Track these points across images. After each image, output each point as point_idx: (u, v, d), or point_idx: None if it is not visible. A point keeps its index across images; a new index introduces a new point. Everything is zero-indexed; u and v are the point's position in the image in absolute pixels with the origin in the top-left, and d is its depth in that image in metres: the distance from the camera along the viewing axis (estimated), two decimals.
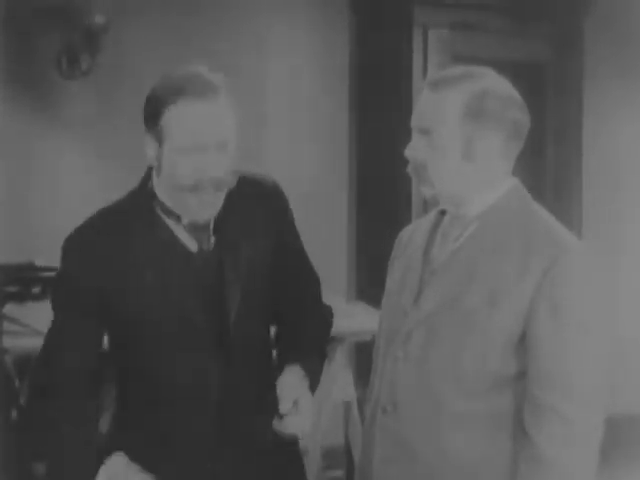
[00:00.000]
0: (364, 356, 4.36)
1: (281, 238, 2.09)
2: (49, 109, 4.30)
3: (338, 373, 3.73)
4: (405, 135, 1.95)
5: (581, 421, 1.80)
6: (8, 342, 3.24)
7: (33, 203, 4.26)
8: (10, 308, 3.54)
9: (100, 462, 1.89)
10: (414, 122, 1.93)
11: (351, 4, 4.75)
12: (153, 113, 1.90)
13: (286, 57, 4.64)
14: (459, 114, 1.87)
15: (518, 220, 1.90)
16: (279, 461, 2.08)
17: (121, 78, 4.33)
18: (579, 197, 4.81)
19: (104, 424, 2.04)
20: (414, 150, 1.92)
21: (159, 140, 1.91)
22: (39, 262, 3.97)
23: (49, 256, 3.88)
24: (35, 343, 3.15)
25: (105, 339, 2.04)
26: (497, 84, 1.91)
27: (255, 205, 2.05)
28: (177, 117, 1.88)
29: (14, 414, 3.34)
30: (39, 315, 3.35)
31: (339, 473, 4.37)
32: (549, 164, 4.72)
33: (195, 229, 1.97)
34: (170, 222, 1.97)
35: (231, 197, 1.99)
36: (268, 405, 2.00)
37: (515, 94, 1.92)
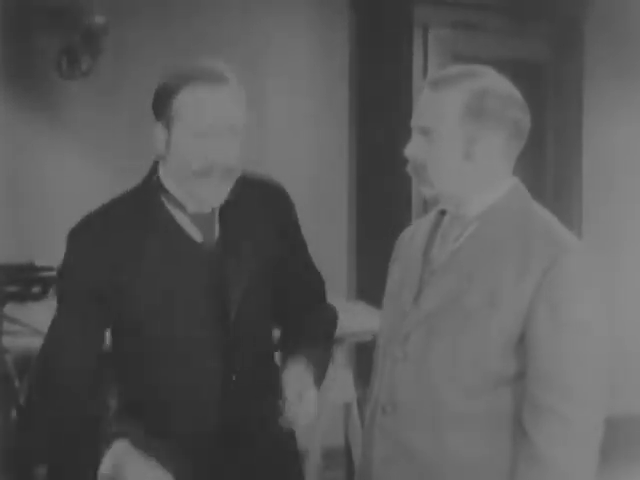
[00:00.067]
0: (364, 356, 4.36)
1: (285, 238, 2.10)
2: (49, 109, 4.29)
3: (338, 373, 3.73)
4: (405, 135, 1.95)
5: (580, 421, 1.80)
6: (8, 342, 3.24)
7: (33, 203, 4.26)
8: (10, 308, 3.55)
9: (102, 452, 1.89)
10: (414, 121, 1.93)
11: (351, 4, 4.75)
12: (163, 99, 1.92)
13: (286, 55, 4.64)
14: (459, 113, 1.87)
15: (518, 220, 1.90)
16: (278, 461, 2.08)
17: (121, 79, 4.33)
18: (579, 197, 4.81)
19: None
20: (414, 149, 1.92)
21: (169, 126, 1.92)
22: (39, 262, 3.97)
23: (49, 256, 3.89)
24: (35, 343, 3.16)
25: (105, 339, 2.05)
26: (497, 83, 1.90)
27: (260, 205, 2.06)
28: (188, 101, 1.90)
29: (14, 414, 3.34)
30: (39, 315, 3.36)
31: (339, 473, 4.37)
32: (549, 164, 4.72)
33: (200, 220, 1.98)
34: (175, 213, 1.98)
35: (237, 196, 2.00)
36: (270, 396, 2.00)
37: (516, 93, 1.92)
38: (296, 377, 1.96)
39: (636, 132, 5.18)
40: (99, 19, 4.11)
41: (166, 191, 1.98)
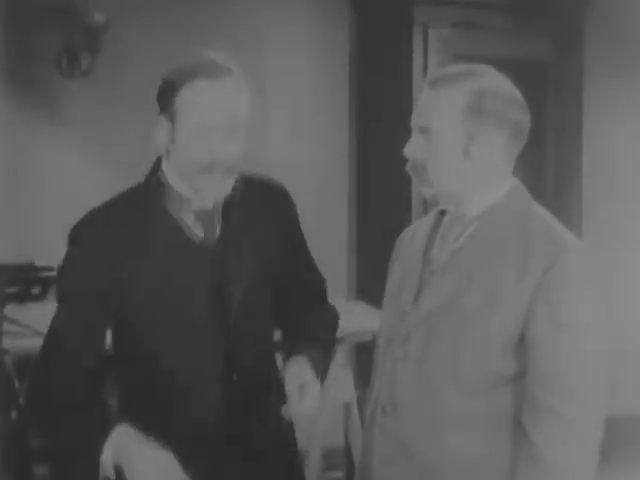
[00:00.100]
0: (364, 356, 4.36)
1: (286, 238, 2.10)
2: (49, 108, 4.29)
3: (338, 373, 3.73)
4: (405, 135, 1.95)
5: (580, 421, 1.80)
6: (8, 343, 3.24)
7: (33, 203, 4.26)
8: (10, 308, 3.55)
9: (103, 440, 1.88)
10: (414, 121, 1.93)
11: (351, 3, 4.75)
12: (168, 94, 1.92)
13: (286, 55, 4.64)
14: (459, 113, 1.87)
15: (518, 220, 1.90)
16: (278, 461, 2.08)
17: (121, 77, 4.33)
18: (579, 197, 4.81)
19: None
20: (413, 149, 1.91)
21: (173, 120, 1.92)
22: (39, 262, 3.98)
23: (49, 256, 3.89)
24: (35, 344, 3.15)
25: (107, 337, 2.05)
26: (497, 83, 1.90)
27: (262, 204, 2.07)
28: (193, 95, 1.90)
29: (14, 414, 3.34)
30: (39, 316, 3.35)
31: (339, 474, 4.37)
32: (549, 164, 4.72)
33: (203, 217, 1.99)
34: (178, 209, 1.98)
35: (239, 195, 2.01)
36: (271, 397, 2.01)
37: (516, 93, 1.92)
38: (298, 372, 1.96)
39: (636, 131, 5.17)
40: (99, 18, 4.11)
41: (169, 187, 1.99)
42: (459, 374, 1.85)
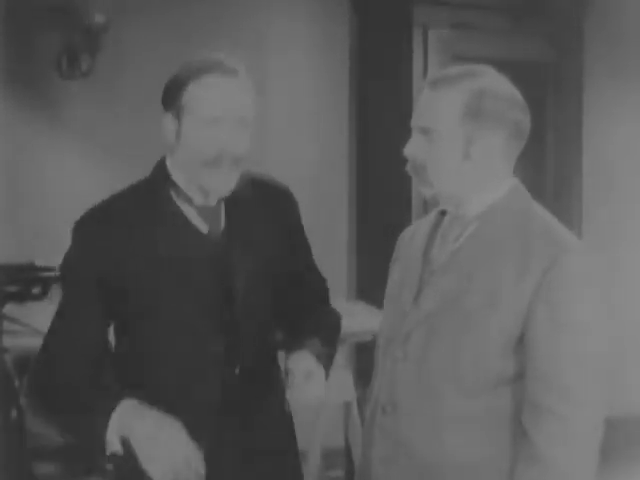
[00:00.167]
0: (364, 356, 4.36)
1: (288, 239, 2.11)
2: (49, 109, 4.30)
3: (338, 374, 3.73)
4: (405, 135, 1.95)
5: (579, 421, 1.80)
6: (8, 342, 3.25)
7: (33, 203, 4.26)
8: (10, 308, 3.55)
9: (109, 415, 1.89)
10: (414, 121, 1.93)
11: (351, 3, 4.75)
12: (174, 90, 1.96)
13: (286, 55, 4.64)
14: (459, 113, 1.87)
15: (518, 220, 1.89)
16: (278, 461, 2.08)
17: (121, 78, 4.33)
18: (579, 196, 4.81)
19: None
20: (413, 149, 1.91)
21: (179, 116, 1.95)
22: (39, 262, 3.98)
23: (49, 256, 3.90)
24: (35, 343, 3.15)
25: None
26: (497, 83, 1.90)
27: (266, 204, 2.08)
28: (198, 92, 1.93)
29: (14, 414, 3.34)
30: (39, 315, 3.35)
31: (339, 473, 4.37)
32: (549, 163, 4.72)
33: (206, 212, 2.00)
34: (182, 204, 2.00)
35: (243, 194, 2.03)
36: (271, 396, 2.01)
37: (516, 94, 1.92)
38: (302, 361, 1.97)
39: (636, 131, 5.17)
40: (99, 18, 4.11)
41: (173, 183, 2.00)
42: (459, 374, 1.85)
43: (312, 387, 1.95)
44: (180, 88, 1.95)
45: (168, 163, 2.02)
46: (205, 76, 1.93)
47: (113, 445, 1.88)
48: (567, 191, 4.78)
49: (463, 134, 1.87)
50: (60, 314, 2.01)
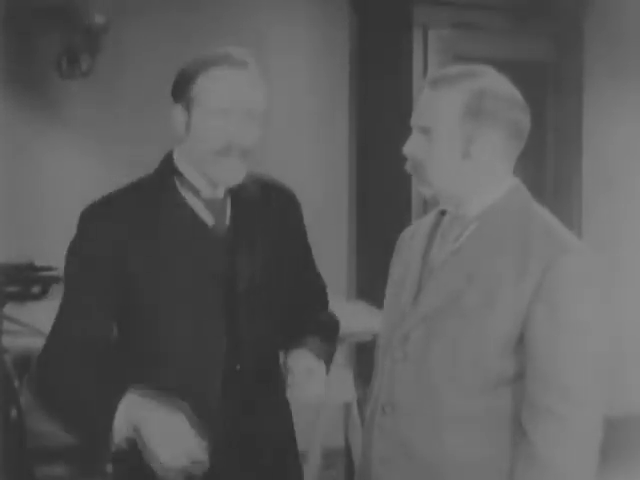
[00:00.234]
0: (364, 356, 4.36)
1: (291, 241, 2.12)
2: (49, 109, 4.30)
3: (338, 374, 3.73)
4: (405, 135, 1.95)
5: (578, 421, 1.80)
6: (8, 341, 3.25)
7: (33, 203, 4.26)
8: (10, 308, 3.55)
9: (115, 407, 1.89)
10: (414, 121, 1.92)
11: (351, 3, 4.75)
12: (184, 82, 1.97)
13: (286, 55, 4.64)
14: (458, 113, 1.87)
15: (517, 221, 1.89)
16: (278, 461, 2.08)
17: (121, 78, 4.33)
18: (579, 196, 4.81)
19: None
20: (413, 148, 1.91)
21: (189, 108, 1.97)
22: (39, 262, 3.98)
23: (49, 256, 3.90)
24: (35, 343, 3.15)
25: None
26: (497, 83, 1.90)
27: (271, 205, 2.09)
28: (209, 83, 1.95)
29: (14, 414, 3.34)
30: (39, 315, 3.36)
31: (339, 474, 4.37)
32: (549, 162, 4.72)
33: (213, 205, 2.01)
34: (188, 196, 2.01)
35: (249, 192, 2.05)
36: (272, 396, 2.01)
37: (516, 94, 1.91)
38: (302, 359, 1.98)
39: (636, 131, 5.17)
40: (99, 19, 4.11)
41: (180, 175, 2.01)
42: (458, 374, 1.85)
43: (313, 385, 1.96)
44: (190, 80, 1.96)
45: (175, 156, 2.03)
46: (215, 68, 1.95)
47: (121, 435, 1.88)
48: (567, 190, 4.78)
49: (463, 134, 1.87)
50: (65, 305, 2.01)
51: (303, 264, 2.18)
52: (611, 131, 5.13)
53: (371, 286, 4.50)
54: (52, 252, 3.89)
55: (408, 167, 1.94)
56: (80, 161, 4.34)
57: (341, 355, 3.73)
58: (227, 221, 2.03)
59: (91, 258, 1.97)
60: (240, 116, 1.95)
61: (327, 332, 2.16)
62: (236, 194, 2.04)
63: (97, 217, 1.99)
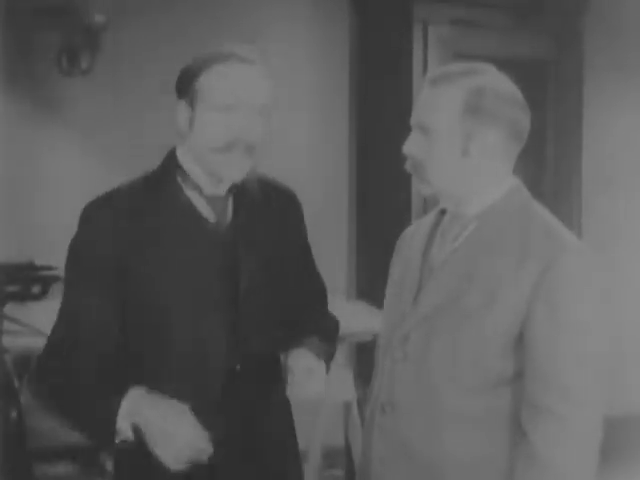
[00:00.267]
0: (364, 356, 4.36)
1: (292, 241, 2.13)
2: (49, 108, 4.29)
3: (338, 373, 3.73)
4: (405, 134, 1.95)
5: (578, 421, 1.80)
6: (8, 341, 3.25)
7: (33, 202, 4.26)
8: (10, 307, 3.55)
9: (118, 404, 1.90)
10: (413, 119, 1.92)
11: (351, 3, 4.75)
12: (189, 78, 1.97)
13: (286, 53, 4.64)
14: (457, 110, 1.86)
15: (517, 220, 1.89)
16: (278, 461, 2.08)
17: (121, 76, 4.33)
18: (579, 196, 4.81)
19: None
20: (412, 146, 1.91)
21: (193, 103, 1.97)
22: (39, 261, 3.98)
23: (49, 256, 3.90)
24: (35, 342, 3.15)
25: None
26: (496, 81, 1.90)
27: (272, 205, 2.10)
28: (213, 78, 1.95)
29: (14, 414, 3.34)
30: (39, 314, 3.36)
31: (339, 473, 4.37)
32: (549, 158, 4.72)
33: (215, 202, 2.01)
34: (190, 193, 2.01)
35: (252, 191, 2.05)
36: (272, 395, 2.01)
37: (516, 92, 1.91)
38: (302, 357, 1.98)
39: (636, 125, 5.17)
40: (99, 17, 4.11)
41: (183, 172, 2.01)
42: (458, 374, 1.85)
43: (313, 384, 1.95)
44: (195, 76, 1.96)
45: (179, 153, 2.04)
46: (220, 64, 1.95)
47: (124, 432, 1.88)
48: (567, 190, 4.77)
49: (462, 131, 1.87)
50: (66, 302, 2.01)
51: (303, 264, 2.18)
52: (611, 128, 5.12)
53: (371, 286, 4.51)
54: (52, 251, 3.89)
55: (408, 166, 1.94)
56: (80, 160, 4.34)
57: (341, 355, 3.74)
58: (228, 218, 2.03)
59: (93, 254, 1.97)
60: (245, 112, 1.94)
61: (327, 332, 2.16)
62: (238, 192, 2.04)
63: (99, 213, 1.99)
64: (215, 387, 1.98)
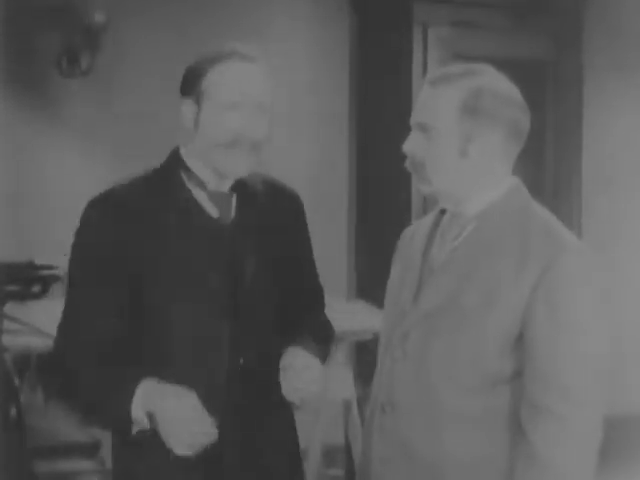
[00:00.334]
0: (364, 355, 4.36)
1: (294, 242, 2.13)
2: (49, 108, 4.30)
3: (338, 372, 3.74)
4: (405, 134, 1.95)
5: (578, 421, 1.80)
6: (8, 340, 3.25)
7: (33, 202, 4.26)
8: (10, 307, 3.55)
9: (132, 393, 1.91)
10: (413, 118, 1.92)
11: (351, 3, 4.75)
12: (195, 76, 1.99)
13: (286, 53, 4.64)
14: (456, 110, 1.86)
15: (517, 220, 1.89)
16: (278, 459, 2.08)
17: (121, 77, 4.33)
18: (579, 196, 4.81)
19: None
20: (412, 146, 1.91)
21: (199, 101, 1.98)
22: (39, 261, 3.98)
23: (49, 255, 3.90)
24: (35, 342, 3.15)
25: None
26: (495, 82, 1.90)
27: (276, 205, 2.10)
28: (221, 75, 1.97)
29: (14, 413, 3.35)
30: (39, 314, 3.36)
31: (339, 473, 4.37)
32: (549, 158, 4.72)
33: (218, 198, 2.02)
34: (194, 189, 2.02)
35: (255, 191, 2.06)
36: (274, 392, 2.00)
37: (515, 93, 1.91)
38: (298, 356, 1.98)
39: (636, 124, 5.16)
40: (99, 17, 4.12)
41: (187, 168, 2.02)
42: (457, 373, 1.85)
43: (309, 382, 1.95)
44: (200, 74, 1.98)
45: (182, 151, 2.05)
46: (225, 62, 1.97)
47: (140, 421, 1.89)
48: (567, 190, 4.78)
49: (461, 131, 1.87)
50: (71, 298, 2.01)
51: (303, 265, 2.18)
52: (611, 129, 5.12)
53: (371, 286, 4.50)
54: (52, 251, 3.90)
55: (407, 165, 1.94)
56: (80, 159, 4.34)
57: (341, 354, 3.74)
58: (232, 214, 2.04)
59: (97, 249, 1.98)
60: (250, 109, 1.97)
61: (322, 335, 2.16)
62: (242, 189, 2.05)
63: (102, 208, 2.00)
64: (219, 381, 1.98)
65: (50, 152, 4.30)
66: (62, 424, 3.65)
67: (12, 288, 3.74)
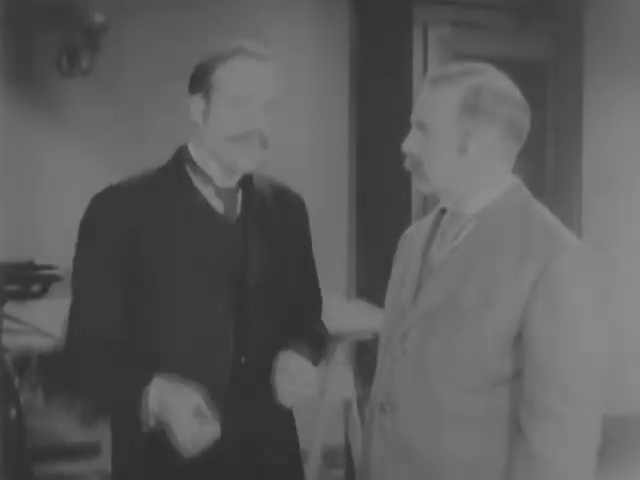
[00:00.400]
0: (364, 355, 4.36)
1: (296, 245, 2.14)
2: (49, 108, 4.30)
3: (338, 372, 3.74)
4: (405, 134, 1.95)
5: (577, 421, 1.80)
6: (8, 340, 3.24)
7: (33, 202, 4.26)
8: (10, 306, 3.55)
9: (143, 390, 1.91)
10: (413, 117, 1.93)
11: (351, 3, 4.75)
12: (203, 73, 2.00)
13: (286, 55, 4.64)
14: (455, 108, 1.86)
15: (516, 219, 1.89)
16: (278, 460, 2.08)
17: (121, 76, 4.33)
18: (579, 192, 4.81)
19: None
20: (411, 144, 1.91)
21: (208, 96, 2.00)
22: (39, 261, 3.98)
23: (49, 255, 3.90)
24: (35, 342, 3.15)
25: None
26: (495, 80, 1.90)
27: (280, 206, 2.11)
28: (230, 71, 1.98)
29: (14, 413, 3.34)
30: (39, 313, 3.36)
31: (339, 473, 4.37)
32: (549, 159, 4.72)
33: (224, 194, 2.03)
34: (200, 184, 2.03)
35: (261, 190, 2.08)
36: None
37: (514, 92, 1.91)
38: (291, 360, 1.98)
39: (636, 127, 5.17)
40: (99, 17, 4.11)
41: (193, 164, 2.03)
42: (457, 373, 1.85)
43: (303, 386, 1.96)
44: (209, 70, 1.99)
45: (190, 147, 2.06)
46: (234, 58, 1.98)
47: (151, 421, 1.90)
48: (567, 189, 4.78)
49: (460, 130, 1.87)
50: (77, 294, 2.01)
51: (304, 267, 2.18)
52: (611, 129, 5.12)
53: (371, 286, 4.51)
54: (52, 251, 3.90)
55: (407, 164, 1.94)
56: (80, 159, 4.34)
57: (341, 353, 3.74)
58: (238, 211, 2.05)
59: (102, 244, 1.98)
60: (260, 104, 1.98)
61: (317, 339, 2.17)
62: (248, 186, 2.06)
63: (109, 203, 2.01)
64: (222, 380, 1.98)
65: (50, 151, 4.30)
66: (62, 425, 3.65)
67: (12, 288, 3.74)
